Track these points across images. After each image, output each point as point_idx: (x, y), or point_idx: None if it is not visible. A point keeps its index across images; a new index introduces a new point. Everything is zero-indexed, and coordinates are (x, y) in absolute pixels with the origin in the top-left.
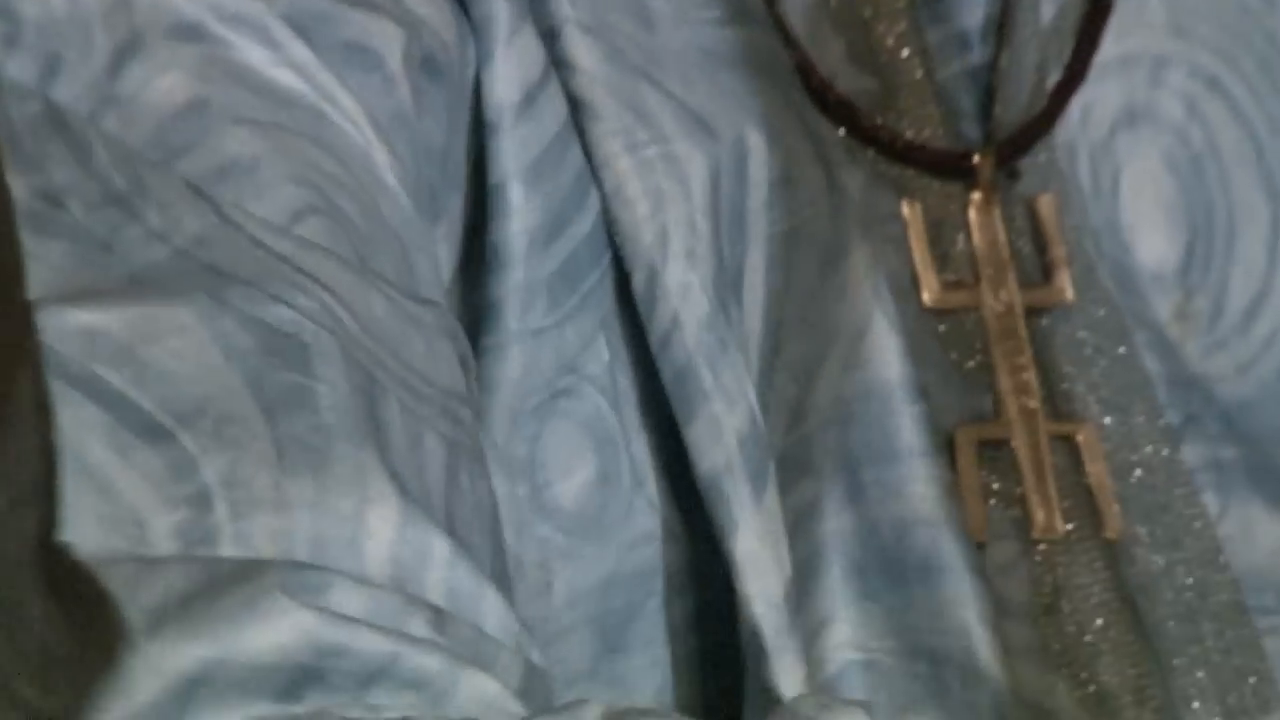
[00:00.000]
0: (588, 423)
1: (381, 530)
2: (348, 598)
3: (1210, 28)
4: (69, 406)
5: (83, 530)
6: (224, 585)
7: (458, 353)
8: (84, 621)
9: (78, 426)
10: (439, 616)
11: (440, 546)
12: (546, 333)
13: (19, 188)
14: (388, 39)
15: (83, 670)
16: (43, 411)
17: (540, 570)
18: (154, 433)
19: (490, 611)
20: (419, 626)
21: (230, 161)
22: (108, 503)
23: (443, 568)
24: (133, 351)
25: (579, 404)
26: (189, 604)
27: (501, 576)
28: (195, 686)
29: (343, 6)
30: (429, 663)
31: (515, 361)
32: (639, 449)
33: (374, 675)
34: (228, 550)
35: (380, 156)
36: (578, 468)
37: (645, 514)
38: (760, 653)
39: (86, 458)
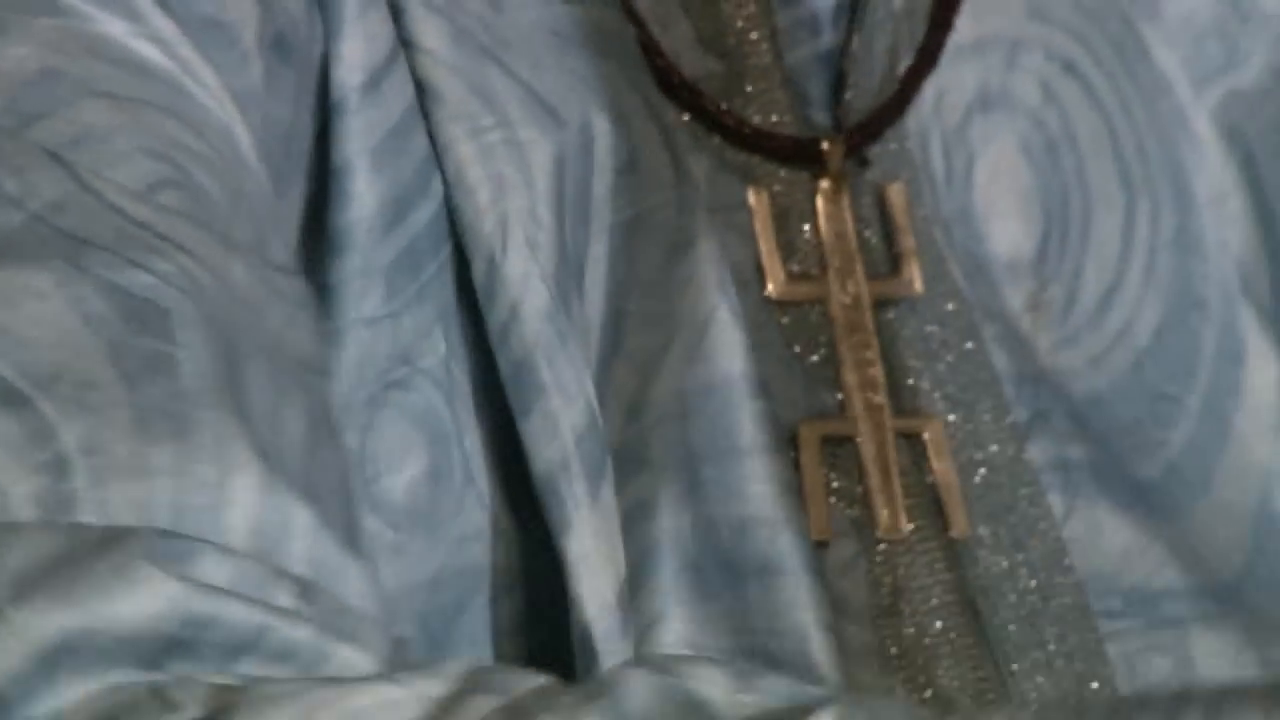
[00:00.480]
0: (421, 416)
1: (244, 498)
2: (214, 567)
3: (1066, 11)
4: None
5: None
6: (90, 553)
7: (309, 322)
8: None
9: None
10: (305, 588)
11: (303, 516)
12: (382, 322)
13: None
14: (244, 15)
15: None
16: None
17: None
18: (11, 398)
19: (354, 583)
20: (285, 598)
21: (85, 131)
22: None
23: (306, 538)
24: None
25: (412, 396)
26: (54, 572)
27: (358, 552)
28: (60, 654)
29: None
30: (298, 635)
31: (350, 350)
32: (472, 444)
33: (242, 647)
34: (85, 518)
35: (241, 133)
36: (409, 462)
37: (476, 510)
38: (590, 654)
39: None
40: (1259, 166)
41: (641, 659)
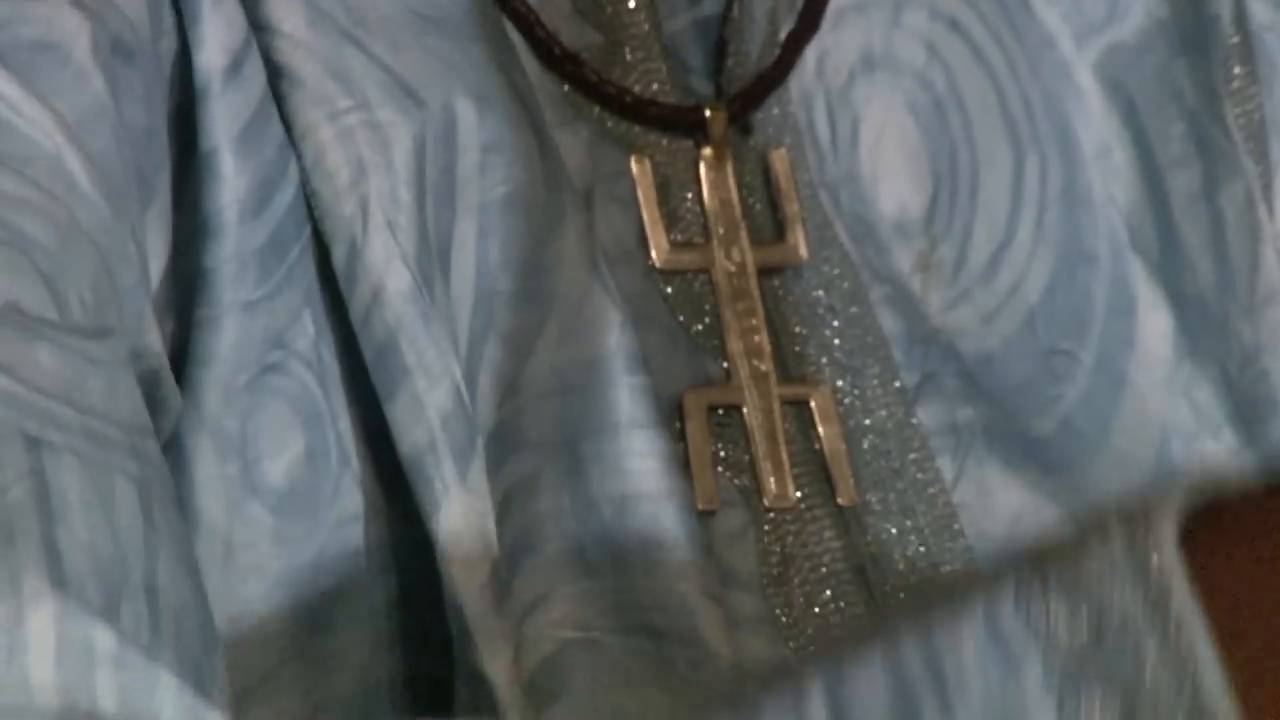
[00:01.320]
0: (296, 399)
1: (41, 638)
2: None
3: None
4: None
5: None
6: None
7: (143, 376)
8: None
9: None
10: None
11: (104, 640)
12: (257, 305)
13: None
14: (72, 31)
15: None
16: None
17: (250, 551)
18: None
19: (165, 699)
20: None
21: None
22: None
23: (110, 666)
24: None
25: (287, 380)
26: None
27: (201, 603)
28: None
29: (20, 4)
30: None
31: (228, 334)
32: (344, 427)
33: None
34: None
35: (73, 162)
36: (287, 445)
37: (352, 492)
38: (465, 635)
39: None
40: (1141, 118)
41: None
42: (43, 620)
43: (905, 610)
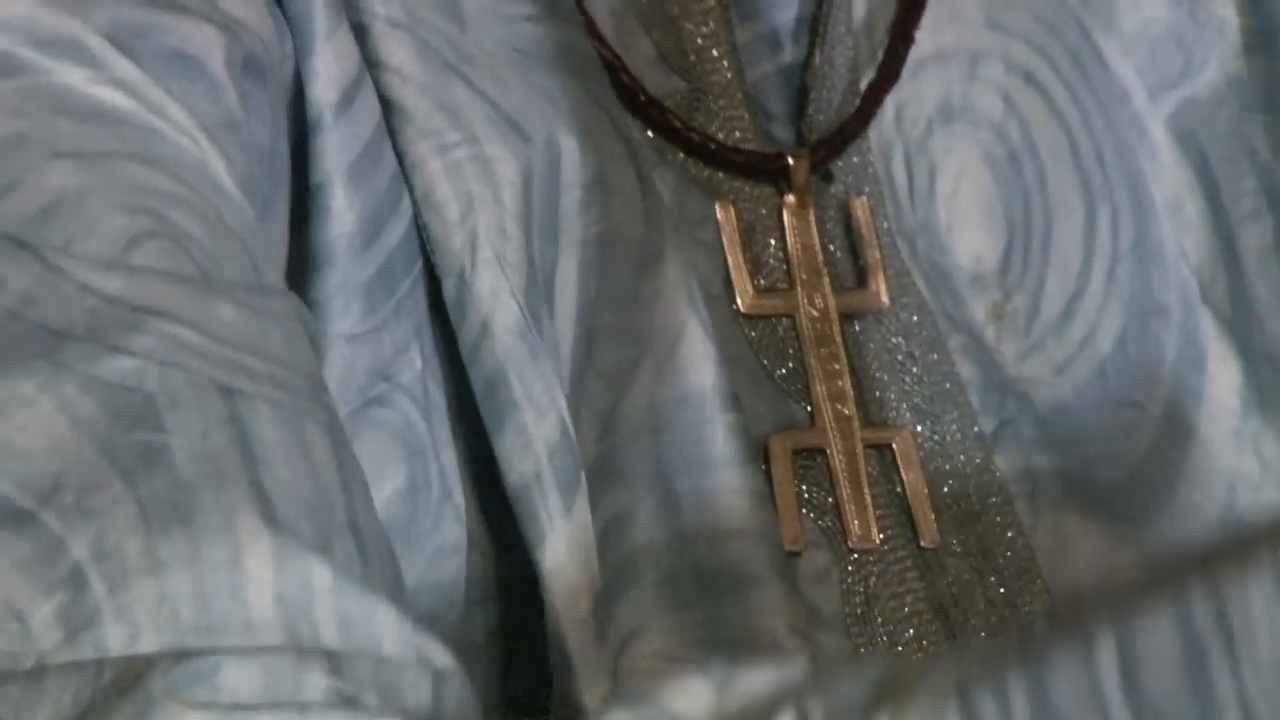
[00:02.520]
0: (399, 431)
1: (260, 573)
2: (239, 676)
3: (1024, 21)
4: None
5: None
6: (113, 700)
7: (309, 334)
8: None
9: None
10: (335, 661)
11: (321, 573)
12: (363, 338)
13: None
14: (209, 44)
15: None
16: None
17: None
18: (16, 517)
19: (385, 628)
20: (317, 682)
21: (55, 199)
22: None
23: (329, 596)
24: None
25: (391, 412)
26: None
27: (390, 555)
28: None
29: (161, 15)
30: None
31: (333, 366)
32: (448, 459)
33: None
34: (111, 628)
35: (216, 164)
36: (387, 477)
37: (452, 524)
38: (566, 665)
39: None
40: (1214, 172)
41: (621, 695)
42: (260, 558)
43: (1192, 563)
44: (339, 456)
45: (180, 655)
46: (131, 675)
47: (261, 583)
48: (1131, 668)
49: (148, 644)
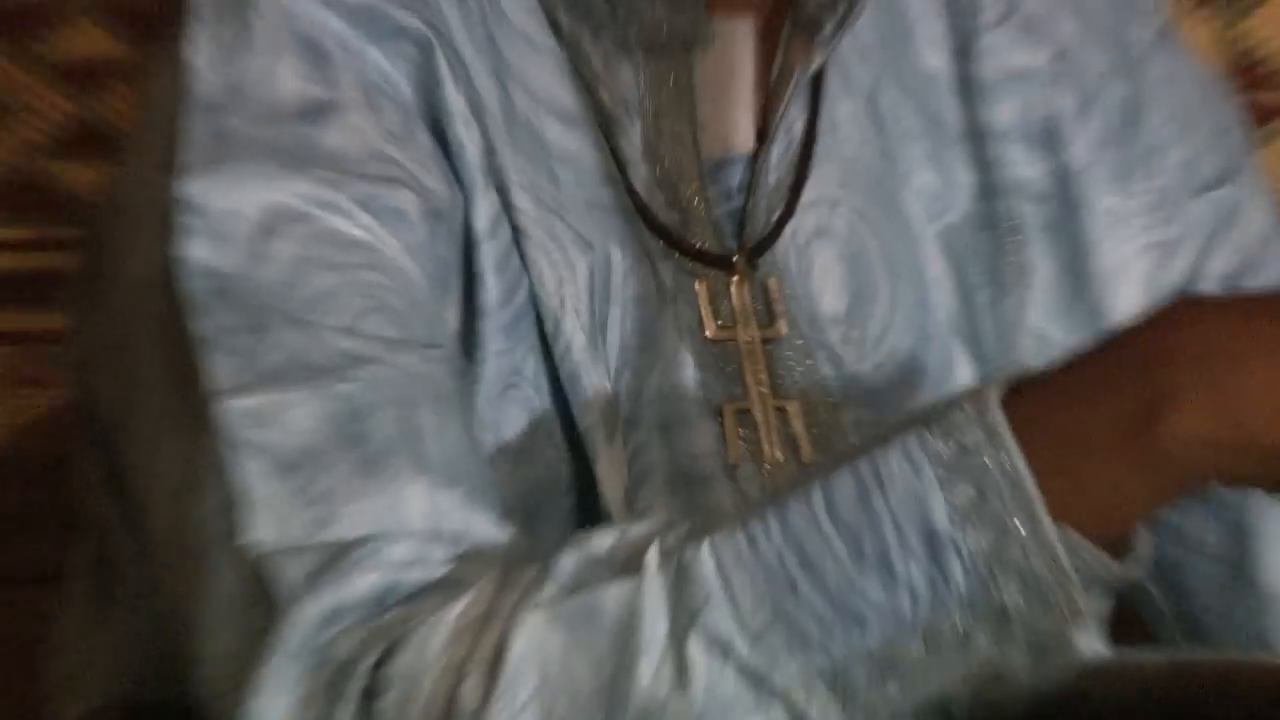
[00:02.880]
0: (524, 402)
1: (416, 500)
2: (401, 550)
3: (857, 181)
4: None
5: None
6: (336, 561)
7: (456, 369)
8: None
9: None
10: (455, 538)
11: (448, 499)
12: (504, 353)
13: None
14: (411, 202)
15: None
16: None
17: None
18: (288, 469)
19: (483, 527)
20: (441, 550)
21: (325, 293)
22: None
23: (454, 511)
24: (265, 419)
25: (520, 393)
26: (318, 576)
27: (486, 507)
28: (331, 619)
29: (385, 188)
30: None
31: (489, 369)
32: (549, 414)
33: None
34: (345, 524)
35: (413, 270)
36: (517, 425)
37: (550, 451)
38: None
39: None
40: (961, 261)
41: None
42: (418, 493)
43: (871, 439)
44: (471, 439)
45: (370, 537)
46: (346, 551)
47: (416, 504)
48: (830, 502)
49: (353, 531)
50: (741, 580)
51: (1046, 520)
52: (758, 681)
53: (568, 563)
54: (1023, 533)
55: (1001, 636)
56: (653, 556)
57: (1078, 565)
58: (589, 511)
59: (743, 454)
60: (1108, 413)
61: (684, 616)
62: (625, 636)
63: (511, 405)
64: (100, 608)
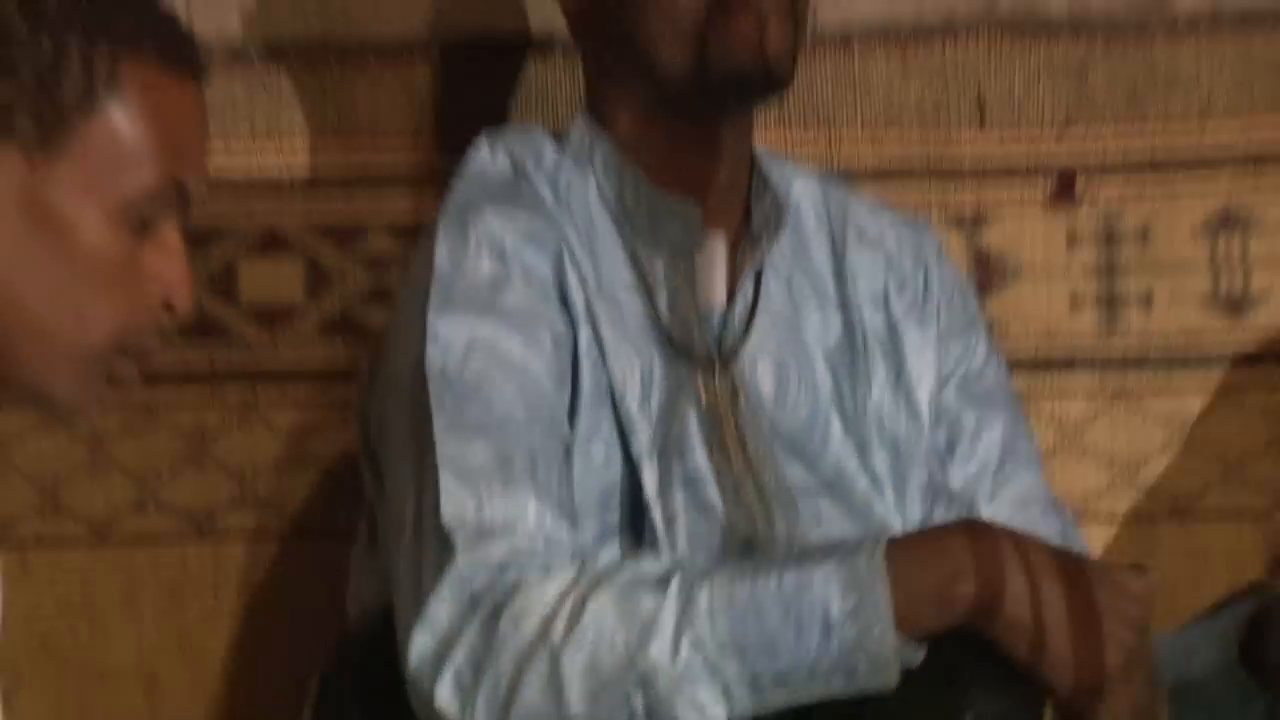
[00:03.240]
0: (603, 442)
1: (531, 513)
2: (508, 550)
3: (780, 324)
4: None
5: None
6: (481, 532)
7: (567, 444)
8: None
9: None
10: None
11: (548, 515)
12: (590, 413)
13: None
14: (546, 336)
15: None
16: None
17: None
18: (467, 483)
19: (567, 536)
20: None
21: (497, 388)
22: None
23: (553, 524)
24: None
25: (600, 436)
26: (472, 541)
27: (571, 521)
28: (476, 565)
29: (532, 328)
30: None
31: (583, 422)
32: (616, 450)
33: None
34: (494, 511)
35: (545, 375)
36: (599, 462)
37: (620, 464)
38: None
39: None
40: (835, 368)
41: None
42: (533, 508)
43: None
44: (566, 475)
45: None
46: (482, 535)
47: (531, 517)
48: (781, 585)
49: (493, 519)
50: (720, 612)
51: (891, 630)
52: (713, 668)
53: (627, 572)
54: (875, 632)
55: (850, 683)
56: (675, 584)
57: (900, 653)
58: (636, 501)
59: (721, 467)
60: (931, 573)
61: (684, 623)
62: (649, 626)
63: (596, 443)
64: (369, 552)
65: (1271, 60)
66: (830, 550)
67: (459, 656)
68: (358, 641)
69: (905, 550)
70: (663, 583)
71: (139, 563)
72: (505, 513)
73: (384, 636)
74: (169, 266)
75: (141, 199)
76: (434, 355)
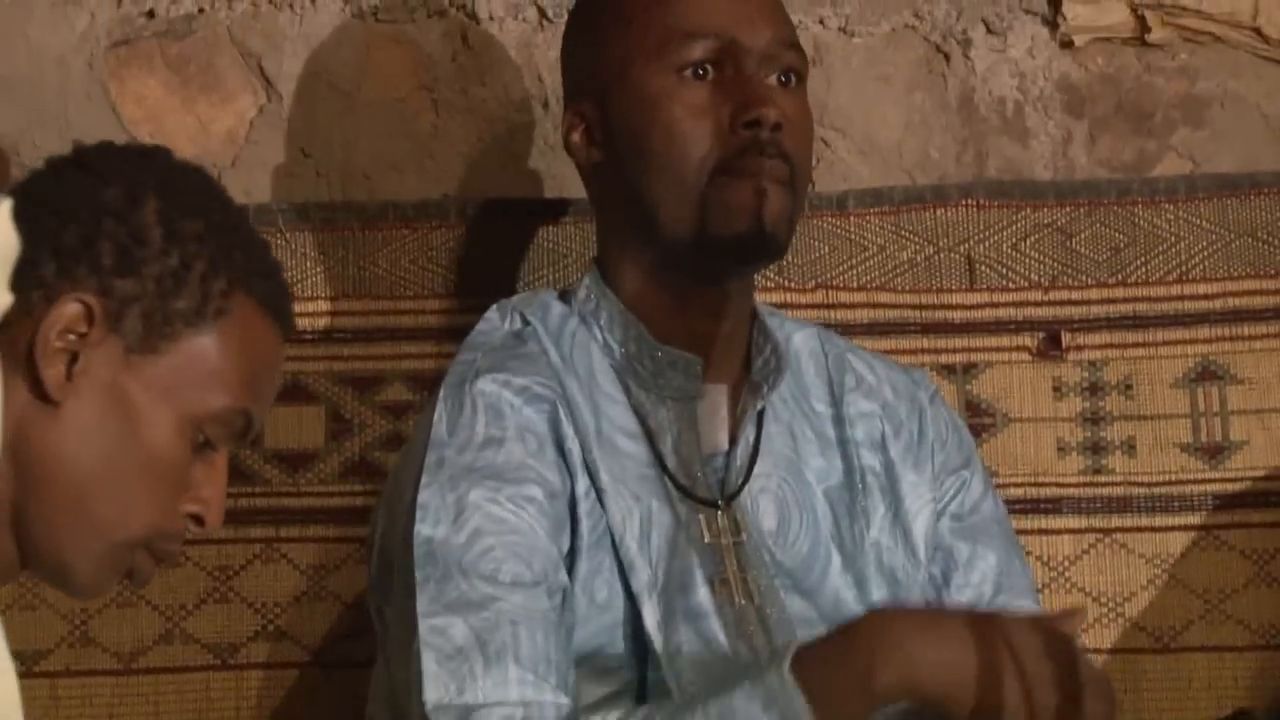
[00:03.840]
0: (605, 582)
1: (514, 682)
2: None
3: (781, 465)
4: None
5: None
6: (465, 713)
7: (563, 587)
8: None
9: None
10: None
11: (530, 688)
12: (592, 556)
13: None
14: (539, 492)
15: None
16: None
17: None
18: (460, 652)
19: (564, 702)
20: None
21: (484, 550)
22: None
23: (534, 690)
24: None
25: (602, 578)
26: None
27: (558, 686)
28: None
29: (523, 485)
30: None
31: (584, 566)
32: (617, 580)
33: None
34: (480, 688)
35: (542, 534)
36: (602, 590)
37: (619, 605)
38: (648, 641)
39: None
40: (835, 506)
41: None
42: (516, 680)
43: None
44: (558, 638)
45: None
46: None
47: (515, 687)
48: (707, 712)
49: (476, 699)
50: None
51: None
52: None
53: None
54: None
55: None
56: None
57: None
58: (639, 635)
59: (723, 602)
60: (846, 672)
61: None
62: None
63: (598, 583)
64: (384, 675)
65: (1246, 225)
66: (743, 673)
67: None
68: None
69: (815, 655)
70: None
71: (164, 691)
72: (486, 693)
73: None
74: (210, 486)
75: (212, 419)
76: (421, 528)
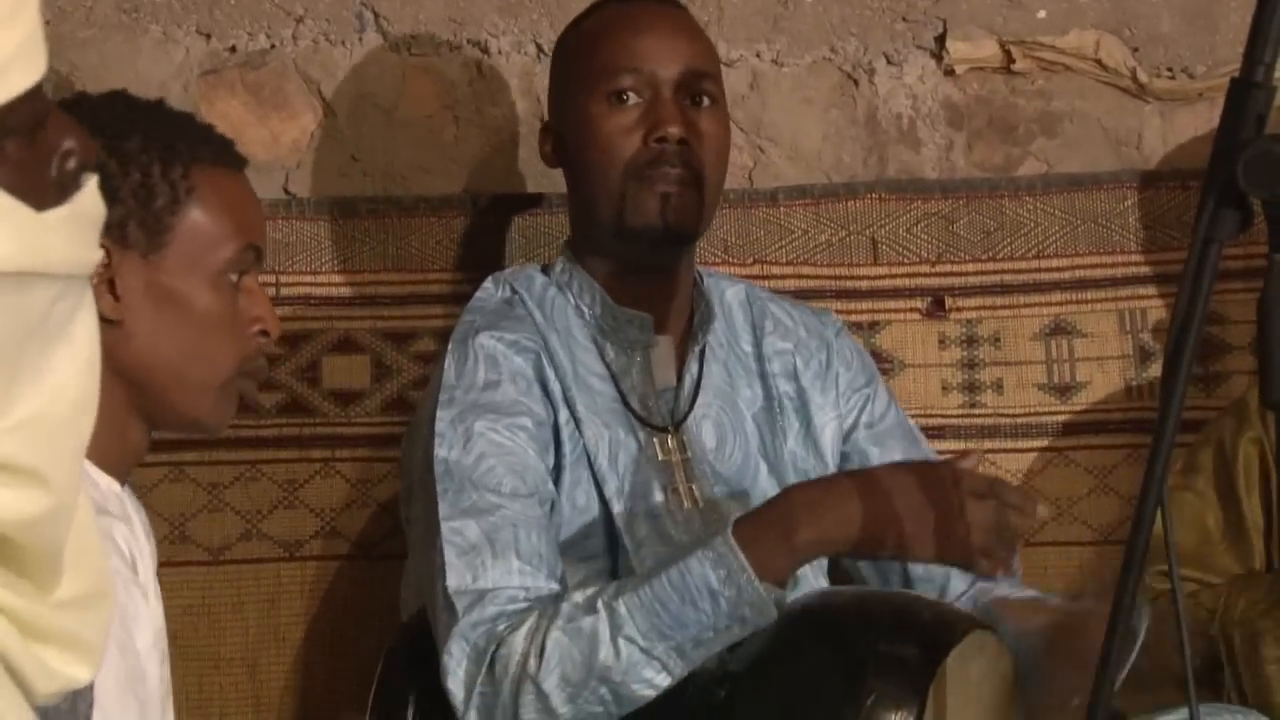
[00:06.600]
0: (584, 489)
1: (515, 571)
2: (501, 601)
3: (720, 396)
4: None
5: None
6: (478, 597)
7: (549, 498)
8: None
9: None
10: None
11: (527, 573)
12: (573, 471)
13: None
14: (530, 422)
15: None
16: None
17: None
18: (469, 554)
19: (549, 585)
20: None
21: (488, 469)
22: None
23: (532, 577)
24: (456, 531)
25: (581, 488)
26: (470, 606)
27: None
28: (476, 625)
29: (518, 417)
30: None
31: (567, 478)
32: (601, 509)
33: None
34: (492, 575)
35: (530, 452)
36: (583, 517)
37: (594, 508)
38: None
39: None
40: (760, 426)
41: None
42: (515, 569)
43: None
44: (549, 537)
45: (484, 592)
46: (480, 600)
47: (516, 575)
48: (670, 577)
49: (486, 585)
50: (636, 611)
51: (756, 581)
52: (647, 652)
53: (566, 606)
54: (748, 588)
55: (744, 628)
56: (600, 604)
57: (770, 595)
58: (612, 531)
59: (674, 505)
60: (773, 532)
61: (615, 629)
62: (593, 638)
63: (578, 492)
64: (412, 566)
65: (1089, 213)
66: (695, 543)
67: (475, 701)
68: (410, 630)
69: (749, 521)
70: (591, 605)
71: (245, 578)
72: (495, 580)
73: (426, 630)
74: (257, 305)
75: (229, 265)
76: (439, 451)
